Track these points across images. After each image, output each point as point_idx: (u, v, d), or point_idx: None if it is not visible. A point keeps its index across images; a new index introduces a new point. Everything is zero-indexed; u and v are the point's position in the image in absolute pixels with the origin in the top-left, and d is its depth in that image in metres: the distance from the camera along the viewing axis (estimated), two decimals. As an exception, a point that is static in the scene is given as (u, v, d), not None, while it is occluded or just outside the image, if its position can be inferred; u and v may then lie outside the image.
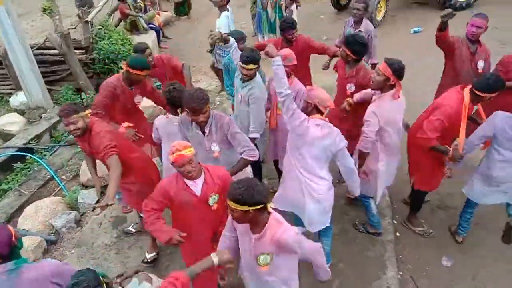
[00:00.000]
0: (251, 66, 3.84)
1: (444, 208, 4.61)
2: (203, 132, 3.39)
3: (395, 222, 4.46)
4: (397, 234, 4.33)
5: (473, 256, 4.04)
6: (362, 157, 3.77)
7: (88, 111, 3.54)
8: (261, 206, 2.33)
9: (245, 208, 2.30)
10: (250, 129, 4.07)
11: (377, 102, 3.62)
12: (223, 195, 2.90)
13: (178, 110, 3.82)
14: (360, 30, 5.26)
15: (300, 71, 4.53)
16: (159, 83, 5.76)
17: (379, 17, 9.66)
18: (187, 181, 2.94)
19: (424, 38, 8.30)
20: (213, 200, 3.01)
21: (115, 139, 3.41)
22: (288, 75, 3.94)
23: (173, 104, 3.78)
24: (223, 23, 6.37)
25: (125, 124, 4.13)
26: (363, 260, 3.99)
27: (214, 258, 2.32)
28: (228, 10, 6.48)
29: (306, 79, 4.91)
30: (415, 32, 9.18)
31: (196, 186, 2.96)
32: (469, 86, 3.51)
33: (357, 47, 3.97)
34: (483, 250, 4.10)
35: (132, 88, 4.24)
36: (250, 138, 3.70)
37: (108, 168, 3.36)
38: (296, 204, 3.50)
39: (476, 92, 3.43)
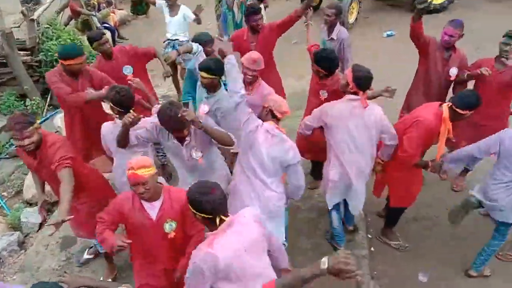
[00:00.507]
0: (203, 73, 3.88)
1: (420, 220, 4.77)
2: (182, 142, 3.35)
3: (370, 236, 4.56)
4: (372, 249, 4.43)
5: (452, 272, 4.19)
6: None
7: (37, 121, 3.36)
8: None
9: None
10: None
11: (335, 101, 3.74)
12: (184, 223, 2.93)
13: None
14: (332, 38, 5.32)
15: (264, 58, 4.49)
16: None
17: (351, 19, 9.94)
18: (144, 202, 2.89)
19: (398, 42, 8.61)
20: (169, 227, 2.93)
21: (70, 152, 3.34)
22: (256, 79, 4.03)
23: (121, 105, 3.61)
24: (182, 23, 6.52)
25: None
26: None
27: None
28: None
29: (270, 66, 4.99)
30: (388, 35, 9.51)
31: (153, 209, 2.90)
32: (448, 103, 3.65)
33: (327, 64, 4.06)
34: (462, 264, 4.24)
35: (77, 79, 4.17)
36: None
37: (52, 185, 3.29)
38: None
39: (458, 110, 3.55)
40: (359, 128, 3.65)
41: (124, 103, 3.59)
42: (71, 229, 3.94)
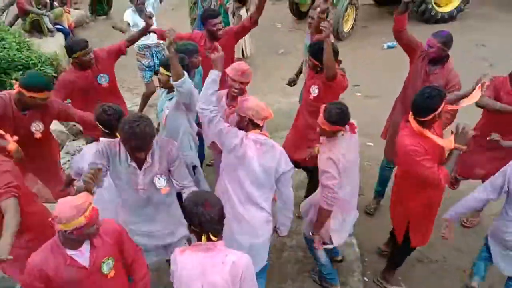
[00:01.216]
0: (163, 70, 4.14)
1: (426, 262, 4.83)
2: (140, 166, 3.33)
3: (366, 280, 4.60)
4: (369, 294, 4.47)
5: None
6: (322, 217, 3.83)
7: None
8: None
9: None
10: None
11: (329, 145, 3.75)
12: (121, 254, 2.96)
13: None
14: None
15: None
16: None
17: (347, 28, 10.23)
18: (69, 251, 2.80)
19: (400, 55, 8.80)
20: (107, 266, 2.90)
21: (17, 180, 3.29)
22: (242, 92, 4.16)
23: (107, 126, 3.68)
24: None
25: (14, 138, 3.90)
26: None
27: None
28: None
29: None
30: (389, 47, 9.76)
31: (82, 255, 2.84)
32: (410, 116, 3.69)
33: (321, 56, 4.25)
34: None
35: (25, 113, 4.09)
36: None
37: None
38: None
39: (419, 119, 3.60)
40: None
41: (110, 124, 3.63)
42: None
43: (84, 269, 2.82)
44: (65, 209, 2.60)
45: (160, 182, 3.38)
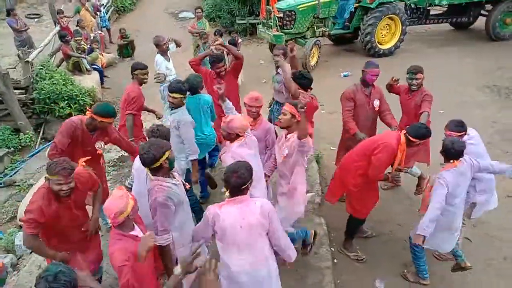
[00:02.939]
0: (176, 95, 4.27)
1: (377, 235, 4.90)
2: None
3: (333, 250, 4.67)
4: (335, 260, 4.53)
5: (403, 279, 4.32)
6: None
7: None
8: None
9: None
10: (187, 152, 4.37)
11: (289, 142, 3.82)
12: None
13: None
14: (278, 73, 5.36)
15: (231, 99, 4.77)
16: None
17: (313, 62, 10.36)
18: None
19: (353, 81, 8.92)
20: None
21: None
22: (258, 115, 4.25)
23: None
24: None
25: (81, 160, 3.84)
26: (303, 287, 4.13)
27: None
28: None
29: (237, 100, 5.34)
30: (345, 75, 9.93)
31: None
32: (404, 132, 3.88)
33: (303, 81, 4.57)
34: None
35: (93, 133, 4.09)
36: (191, 160, 4.35)
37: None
38: None
39: (410, 137, 3.80)
40: None
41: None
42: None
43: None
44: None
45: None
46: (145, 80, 5.12)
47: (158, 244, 2.94)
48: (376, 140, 4.05)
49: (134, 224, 2.88)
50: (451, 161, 3.69)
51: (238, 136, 3.68)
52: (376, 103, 4.82)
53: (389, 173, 4.05)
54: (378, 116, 5.01)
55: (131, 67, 5.19)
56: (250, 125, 4.14)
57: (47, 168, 3.03)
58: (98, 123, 3.94)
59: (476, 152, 3.94)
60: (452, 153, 3.63)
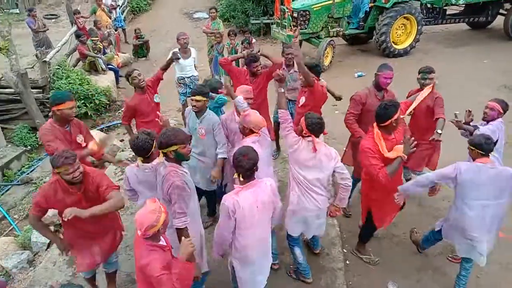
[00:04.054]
0: (198, 97, 4.13)
1: (390, 237, 4.87)
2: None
3: (345, 251, 4.65)
4: (347, 262, 4.51)
5: (416, 280, 4.28)
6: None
7: None
8: None
9: None
10: (219, 151, 4.33)
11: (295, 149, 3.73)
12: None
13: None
14: (295, 71, 5.57)
15: (258, 98, 5.03)
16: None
17: (327, 62, 10.31)
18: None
19: (367, 82, 8.87)
20: None
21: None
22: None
23: (147, 150, 3.53)
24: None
25: (91, 144, 4.06)
26: (316, 288, 4.12)
27: None
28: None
29: (263, 106, 5.33)
30: (359, 76, 9.87)
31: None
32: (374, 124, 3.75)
33: (318, 69, 4.81)
34: (425, 275, 4.34)
35: (67, 126, 4.04)
36: (221, 158, 4.31)
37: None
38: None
39: (379, 124, 3.65)
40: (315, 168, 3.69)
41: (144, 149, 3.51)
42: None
43: None
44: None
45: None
46: (142, 84, 4.93)
47: (176, 227, 3.11)
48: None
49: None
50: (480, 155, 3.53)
51: (252, 131, 3.70)
52: None
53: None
54: None
55: (125, 76, 5.13)
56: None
57: (51, 164, 3.15)
58: (58, 112, 3.89)
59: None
60: (484, 147, 3.49)
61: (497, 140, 4.04)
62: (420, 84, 4.79)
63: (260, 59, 5.31)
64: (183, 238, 2.94)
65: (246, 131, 3.73)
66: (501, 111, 4.15)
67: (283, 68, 5.74)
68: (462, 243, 3.81)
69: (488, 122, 4.22)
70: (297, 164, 3.70)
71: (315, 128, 3.57)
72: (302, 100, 4.78)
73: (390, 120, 3.61)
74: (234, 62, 5.82)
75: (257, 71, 5.24)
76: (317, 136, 3.62)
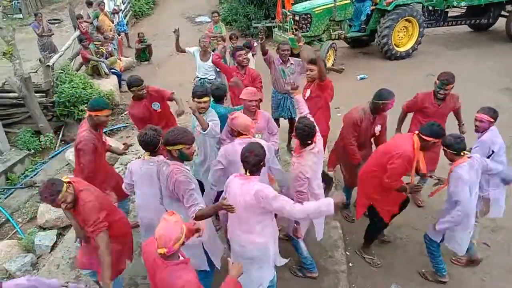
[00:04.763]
0: (205, 98, 4.20)
1: (393, 239, 4.85)
2: None
3: (348, 254, 4.64)
4: (350, 264, 4.50)
5: (419, 283, 4.28)
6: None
7: (66, 178, 3.26)
8: None
9: None
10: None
11: (299, 159, 3.69)
12: None
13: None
14: (292, 63, 5.71)
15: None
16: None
17: (329, 64, 10.29)
18: None
19: (369, 84, 8.94)
20: None
21: (103, 205, 3.30)
22: (258, 108, 4.42)
23: (154, 145, 3.59)
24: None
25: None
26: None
27: None
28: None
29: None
30: (361, 78, 9.87)
31: None
32: (416, 132, 3.82)
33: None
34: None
35: (98, 130, 4.23)
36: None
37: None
38: None
39: (424, 137, 3.71)
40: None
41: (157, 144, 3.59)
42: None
43: None
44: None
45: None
46: (145, 94, 4.86)
47: (193, 215, 3.11)
48: (391, 150, 3.88)
49: None
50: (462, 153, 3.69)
51: (240, 133, 3.70)
52: (378, 128, 4.63)
53: (408, 183, 3.94)
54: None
55: (127, 84, 4.95)
56: (253, 119, 4.14)
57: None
58: (95, 118, 4.05)
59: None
60: (455, 147, 3.66)
61: (493, 151, 4.09)
62: (435, 92, 4.76)
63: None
64: (229, 260, 2.87)
65: (235, 133, 3.76)
66: (491, 119, 4.10)
67: (280, 64, 5.75)
68: (464, 240, 3.94)
69: (482, 133, 4.21)
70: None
71: (299, 133, 3.60)
72: (308, 93, 4.95)
73: (434, 140, 3.69)
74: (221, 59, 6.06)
75: (242, 60, 5.45)
76: (302, 143, 3.63)
